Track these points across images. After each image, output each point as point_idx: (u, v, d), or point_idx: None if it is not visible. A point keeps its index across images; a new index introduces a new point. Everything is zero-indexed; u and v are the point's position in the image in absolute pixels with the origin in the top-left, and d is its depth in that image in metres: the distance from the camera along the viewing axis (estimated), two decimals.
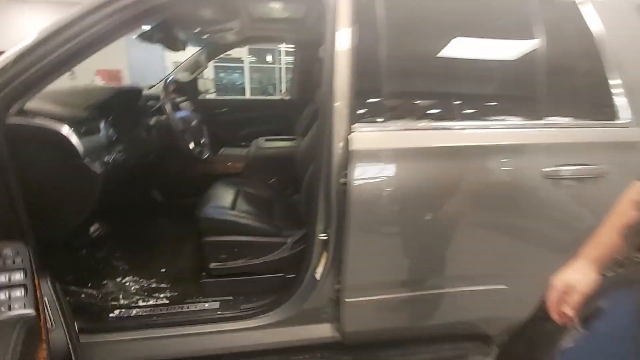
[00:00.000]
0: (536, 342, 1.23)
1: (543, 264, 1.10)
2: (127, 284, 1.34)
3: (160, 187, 1.94)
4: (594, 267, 0.68)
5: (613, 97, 1.12)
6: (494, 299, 1.17)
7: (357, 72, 0.97)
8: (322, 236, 1.04)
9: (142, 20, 1.05)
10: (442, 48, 1.09)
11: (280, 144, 2.16)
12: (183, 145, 1.37)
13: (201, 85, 2.54)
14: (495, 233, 1.10)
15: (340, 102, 0.97)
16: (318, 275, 1.08)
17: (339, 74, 0.97)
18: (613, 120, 1.12)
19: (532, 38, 1.11)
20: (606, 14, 1.15)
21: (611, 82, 1.11)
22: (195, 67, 2.28)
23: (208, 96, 2.70)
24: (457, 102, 1.10)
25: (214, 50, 2.32)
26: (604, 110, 1.12)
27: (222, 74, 9.36)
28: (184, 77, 2.21)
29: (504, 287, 1.15)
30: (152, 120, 1.40)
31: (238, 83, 9.77)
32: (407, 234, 1.05)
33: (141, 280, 1.37)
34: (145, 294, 1.31)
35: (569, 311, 0.68)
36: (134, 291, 1.32)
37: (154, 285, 1.37)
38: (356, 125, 0.97)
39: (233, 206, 1.43)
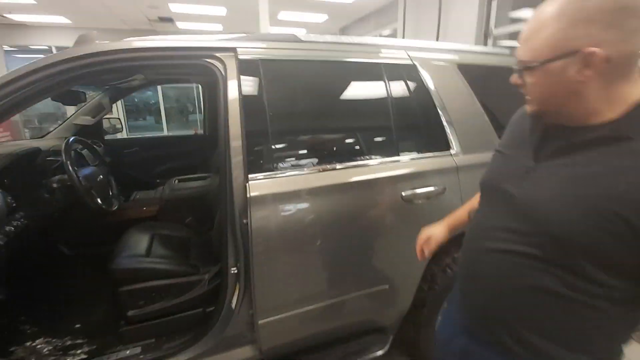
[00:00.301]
0: (419, 324, 1.54)
1: (409, 265, 1.44)
2: (39, 346, 1.30)
3: (69, 241, 1.86)
4: (447, 228, 1.01)
5: (447, 133, 1.51)
6: (380, 298, 1.45)
7: (248, 132, 1.18)
8: (233, 270, 1.21)
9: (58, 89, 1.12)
10: (317, 108, 1.36)
11: (193, 183, 2.19)
12: (90, 202, 1.37)
13: (107, 125, 2.45)
14: (372, 246, 1.37)
15: (237, 158, 1.17)
16: (233, 305, 1.23)
17: (233, 134, 1.16)
18: (448, 150, 1.51)
19: (387, 94, 1.43)
20: (436, 72, 1.56)
21: (442, 121, 1.51)
22: (98, 110, 2.20)
23: (117, 135, 2.60)
24: (333, 149, 1.36)
25: (117, 94, 2.28)
26: (441, 144, 1.49)
27: (133, 94, 8.73)
28: (86, 120, 2.13)
29: (386, 287, 1.43)
30: (55, 180, 1.38)
31: (152, 102, 9.18)
32: (303, 259, 1.26)
33: (54, 340, 1.34)
34: (61, 353, 1.29)
35: (426, 252, 1.01)
36: (47, 352, 1.29)
37: (69, 342, 1.34)
38: (251, 175, 1.17)
39: (148, 252, 1.48)
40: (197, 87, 9.10)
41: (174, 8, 6.63)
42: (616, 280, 0.58)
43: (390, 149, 1.43)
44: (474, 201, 0.97)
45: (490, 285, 0.71)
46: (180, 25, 8.14)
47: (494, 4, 4.43)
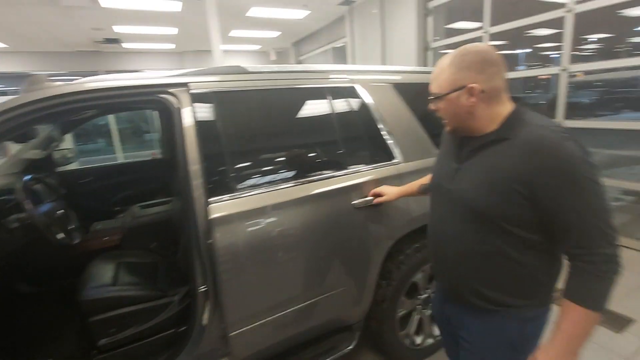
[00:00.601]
0: (381, 318, 1.69)
1: (362, 266, 1.59)
2: None
3: (30, 279, 1.80)
4: (399, 193, 1.46)
5: (389, 146, 1.70)
6: (344, 298, 1.58)
7: (206, 157, 1.27)
8: (202, 288, 1.28)
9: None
10: (269, 131, 1.49)
11: (156, 209, 2.20)
12: (52, 238, 1.37)
13: (57, 155, 2.37)
14: (332, 251, 1.50)
15: (196, 181, 1.26)
16: (205, 322, 1.30)
17: (192, 160, 1.25)
18: (391, 160, 1.70)
19: (332, 114, 1.59)
20: (374, 90, 1.75)
21: (384, 135, 1.70)
22: (48, 143, 2.15)
23: (70, 166, 2.51)
24: (287, 168, 1.48)
25: (69, 125, 2.23)
26: (385, 155, 1.67)
27: None
28: (35, 155, 2.07)
29: (347, 287, 1.57)
30: (13, 219, 1.36)
31: (102, 123, 8.69)
32: (268, 270, 1.35)
33: None
34: None
35: (375, 200, 1.49)
36: None
37: None
38: (211, 198, 1.26)
39: (114, 281, 1.50)
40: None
41: (118, 29, 6.49)
42: (532, 235, 0.82)
43: (339, 164, 1.58)
44: (423, 180, 1.37)
45: (451, 259, 0.96)
46: (128, 45, 7.94)
47: (430, 20, 4.87)
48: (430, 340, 1.88)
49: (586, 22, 3.25)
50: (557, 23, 3.35)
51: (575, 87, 3.89)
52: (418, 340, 1.85)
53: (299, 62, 9.00)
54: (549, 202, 0.77)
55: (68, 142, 5.77)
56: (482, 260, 0.89)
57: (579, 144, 0.77)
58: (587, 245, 0.76)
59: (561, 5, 3.30)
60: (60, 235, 1.41)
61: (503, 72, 0.85)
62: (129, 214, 2.15)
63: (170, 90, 1.32)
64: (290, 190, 1.42)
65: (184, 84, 1.33)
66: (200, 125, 1.30)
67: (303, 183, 1.46)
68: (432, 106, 0.94)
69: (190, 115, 1.29)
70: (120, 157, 8.39)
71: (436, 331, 1.90)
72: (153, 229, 2.07)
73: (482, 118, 0.86)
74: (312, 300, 1.49)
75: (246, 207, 1.30)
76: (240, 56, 10.00)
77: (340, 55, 7.25)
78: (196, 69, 1.44)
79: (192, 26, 6.52)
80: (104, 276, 1.52)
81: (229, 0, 5.25)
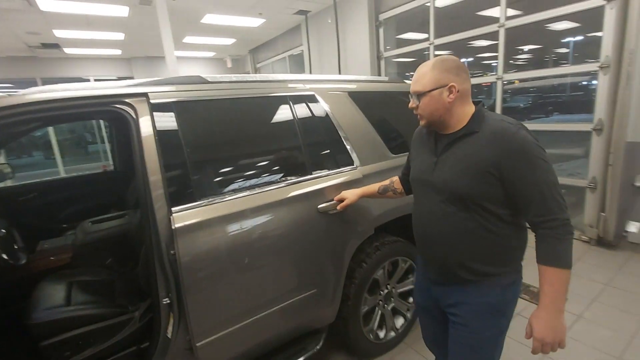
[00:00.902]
0: (346, 317, 1.75)
1: (331, 268, 1.64)
2: None
3: None
4: (360, 194, 1.56)
5: (348, 151, 1.79)
6: (311, 301, 1.60)
7: (167, 167, 1.26)
8: (166, 301, 1.26)
9: None
10: (231, 140, 1.49)
11: (110, 223, 2.10)
12: None
13: None
14: (298, 256, 1.53)
15: (158, 192, 1.24)
16: (169, 334, 1.28)
17: (152, 170, 1.23)
18: (352, 165, 1.77)
19: (292, 122, 1.63)
20: (331, 99, 1.84)
21: (343, 141, 1.78)
22: None
23: (8, 183, 2.30)
24: (251, 175, 1.49)
25: (6, 137, 2.04)
26: (345, 160, 1.75)
27: None
28: None
29: (315, 290, 1.60)
30: None
31: (38, 134, 7.89)
32: (234, 278, 1.35)
33: None
34: None
35: (338, 206, 1.57)
36: None
37: None
38: (175, 207, 1.25)
39: (68, 301, 1.42)
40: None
41: (60, 34, 6.05)
42: (503, 210, 0.99)
43: (302, 170, 1.62)
44: (383, 182, 1.52)
45: (439, 240, 1.09)
46: (69, 51, 7.41)
47: (381, 31, 5.13)
48: (392, 334, 1.98)
49: (518, 35, 3.64)
50: (495, 36, 3.72)
51: (512, 93, 4.33)
52: (381, 334, 1.94)
53: (256, 70, 8.98)
54: (513, 178, 0.93)
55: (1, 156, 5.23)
56: (466, 236, 1.03)
57: (530, 133, 0.95)
58: (545, 213, 0.92)
59: (496, 20, 3.67)
60: (5, 257, 1.30)
61: (469, 78, 1.04)
62: (80, 231, 2.01)
63: (127, 100, 1.30)
64: (254, 197, 1.43)
65: (143, 94, 1.31)
66: (162, 135, 1.29)
67: (267, 190, 1.48)
68: (412, 104, 1.09)
69: (149, 125, 1.28)
70: (62, 171, 7.74)
71: (398, 324, 2.02)
72: (108, 244, 1.96)
73: (455, 114, 1.03)
74: (282, 305, 1.50)
75: (210, 215, 1.30)
76: (194, 63, 9.73)
77: (298, 63, 7.35)
78: (154, 79, 1.43)
79: (139, 32, 6.25)
80: (56, 297, 1.43)
81: (183, 7, 5.13)
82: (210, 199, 1.34)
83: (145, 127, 1.27)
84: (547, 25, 3.41)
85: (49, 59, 7.78)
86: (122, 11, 5.10)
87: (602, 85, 2.93)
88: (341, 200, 1.59)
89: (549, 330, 0.93)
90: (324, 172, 1.68)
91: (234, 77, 1.58)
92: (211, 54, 9.43)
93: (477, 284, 1.05)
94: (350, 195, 1.57)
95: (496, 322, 1.07)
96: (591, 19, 2.94)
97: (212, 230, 1.30)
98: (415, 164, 1.21)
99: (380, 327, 1.95)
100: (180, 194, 1.29)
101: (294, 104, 1.70)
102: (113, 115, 1.30)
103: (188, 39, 7.18)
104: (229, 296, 1.35)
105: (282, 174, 1.58)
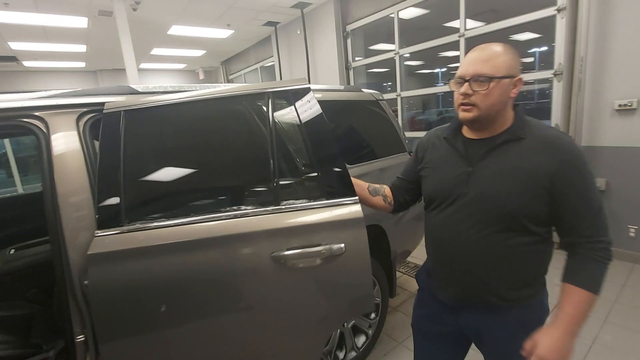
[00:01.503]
0: None
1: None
2: None
3: None
4: None
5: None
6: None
7: (91, 186, 1.13)
8: (80, 338, 1.10)
9: None
10: (167, 157, 1.32)
11: (34, 250, 1.87)
12: None
13: None
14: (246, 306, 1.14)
15: (78, 214, 1.10)
16: None
17: (71, 190, 1.11)
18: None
19: (245, 135, 1.44)
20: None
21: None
22: None
23: None
24: (194, 201, 1.25)
25: None
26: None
27: None
28: None
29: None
30: None
31: None
32: (152, 318, 1.10)
33: None
34: None
35: None
36: None
37: None
38: (96, 231, 1.08)
39: None
40: None
41: (16, 46, 5.77)
42: (541, 228, 0.87)
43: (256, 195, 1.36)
44: (372, 183, 1.22)
45: (470, 264, 0.93)
46: (29, 64, 7.09)
47: (349, 41, 5.16)
48: (353, 354, 1.88)
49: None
50: (456, 45, 3.78)
51: None
52: (340, 355, 1.83)
53: (230, 81, 8.87)
54: (568, 192, 0.83)
55: None
56: (503, 259, 0.90)
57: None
58: (593, 234, 0.84)
59: (456, 30, 3.73)
60: None
61: None
62: None
63: (37, 113, 1.16)
64: (194, 229, 1.12)
65: (59, 106, 1.18)
66: (84, 152, 1.15)
67: (214, 220, 1.14)
68: (466, 88, 0.86)
69: (69, 139, 1.14)
70: None
71: (359, 342, 1.91)
72: (30, 273, 1.74)
73: (505, 114, 0.89)
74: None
75: (136, 244, 1.10)
76: (165, 75, 9.54)
77: (270, 74, 7.30)
78: (75, 90, 1.29)
79: (102, 43, 6.05)
80: None
81: (147, 18, 4.99)
82: (139, 226, 1.12)
83: (64, 141, 1.14)
84: (510, 36, 3.50)
85: (5, 72, 7.42)
86: (81, 22, 4.92)
87: (557, 92, 3.00)
88: None
89: (555, 352, 0.82)
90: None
91: (168, 86, 1.46)
92: (182, 66, 9.26)
93: (508, 308, 0.95)
94: None
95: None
96: (548, 29, 3.03)
97: (135, 262, 1.08)
98: (435, 175, 1.02)
99: (339, 347, 1.84)
100: (106, 216, 1.11)
101: (246, 115, 1.54)
102: (21, 130, 1.16)
103: (156, 51, 7.01)
104: (150, 336, 1.11)
105: (240, 200, 1.23)
